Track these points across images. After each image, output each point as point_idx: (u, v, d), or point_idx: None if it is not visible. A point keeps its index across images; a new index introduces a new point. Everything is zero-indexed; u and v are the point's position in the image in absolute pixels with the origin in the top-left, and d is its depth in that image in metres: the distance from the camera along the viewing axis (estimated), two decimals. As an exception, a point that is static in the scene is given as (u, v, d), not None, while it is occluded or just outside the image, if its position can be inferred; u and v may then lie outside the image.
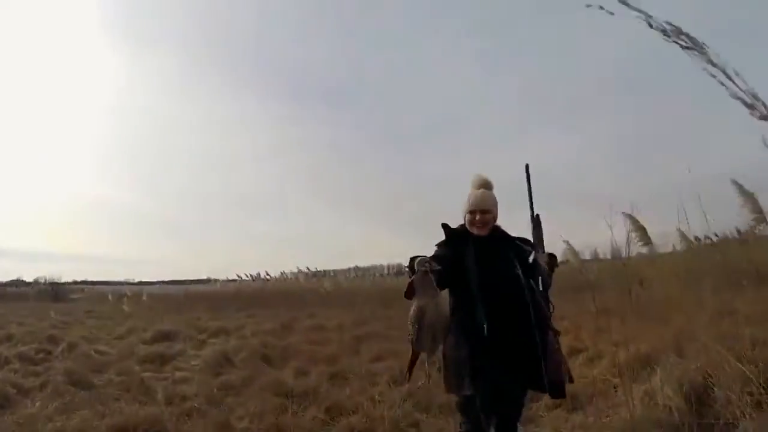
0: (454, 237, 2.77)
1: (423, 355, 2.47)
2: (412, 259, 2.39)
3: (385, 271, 29.22)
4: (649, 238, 4.10)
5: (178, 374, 6.74)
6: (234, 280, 25.86)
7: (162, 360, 7.75)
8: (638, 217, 4.44)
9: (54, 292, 31.26)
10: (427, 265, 2.31)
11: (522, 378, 2.56)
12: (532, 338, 2.51)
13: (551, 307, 2.71)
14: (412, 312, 2.30)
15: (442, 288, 2.46)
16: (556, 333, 2.67)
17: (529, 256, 2.74)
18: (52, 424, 4.27)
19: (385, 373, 5.77)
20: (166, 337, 10.30)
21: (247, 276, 24.55)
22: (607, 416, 3.73)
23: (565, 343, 6.11)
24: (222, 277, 28.21)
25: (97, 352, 8.44)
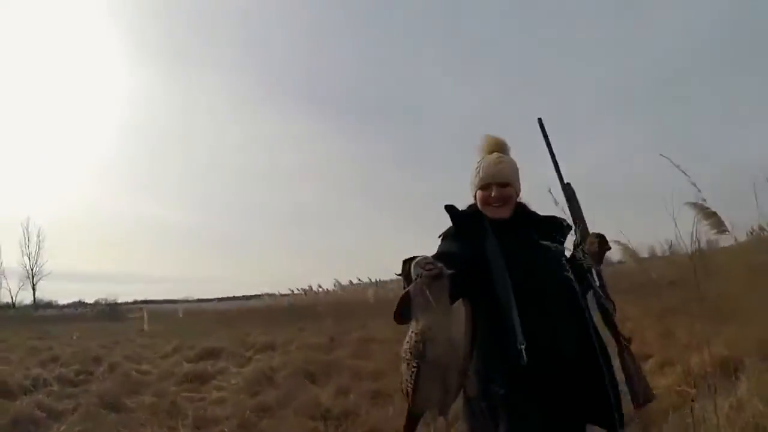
0: (464, 224, 2.00)
1: (428, 415, 1.60)
2: (407, 262, 1.55)
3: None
4: (724, 225, 3.51)
5: (216, 394, 6.51)
6: (286, 295, 26.03)
7: (202, 379, 7.56)
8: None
9: (111, 311, 32.22)
10: (431, 267, 1.44)
11: (581, 416, 1.89)
12: (593, 362, 1.86)
13: (612, 306, 2.03)
14: (407, 343, 1.43)
15: (453, 300, 1.67)
16: (627, 342, 1.99)
17: (567, 239, 2.09)
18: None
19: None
20: (211, 354, 10.21)
21: (298, 290, 24.61)
22: None
23: (631, 348, 5.60)
24: (275, 291, 28.51)
25: (138, 372, 8.36)
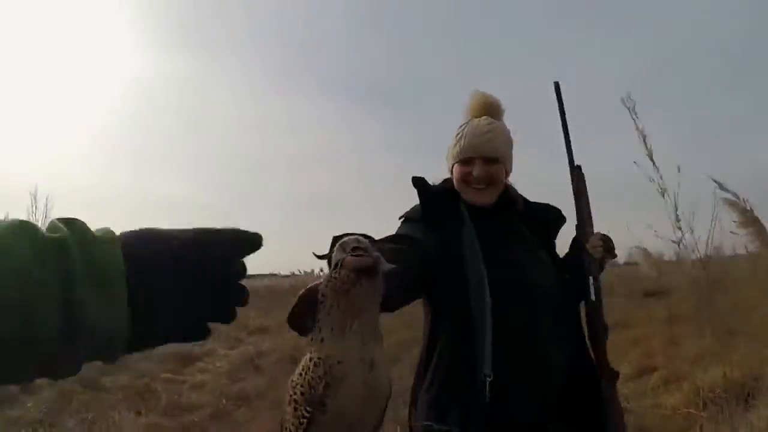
0: (435, 205, 1.52)
1: None
2: (337, 239, 0.89)
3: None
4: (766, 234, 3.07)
5: (198, 377, 6.25)
6: (288, 276, 25.70)
7: (187, 361, 7.28)
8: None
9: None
10: (361, 253, 0.83)
11: None
12: (587, 401, 1.46)
13: (605, 329, 1.55)
14: (301, 375, 0.81)
15: (401, 302, 1.26)
16: (614, 376, 1.52)
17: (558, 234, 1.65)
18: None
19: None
20: None
21: (299, 272, 24.30)
22: None
23: (633, 359, 5.28)
24: (277, 272, 28.27)
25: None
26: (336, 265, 0.85)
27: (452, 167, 1.57)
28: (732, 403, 3.27)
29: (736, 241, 6.97)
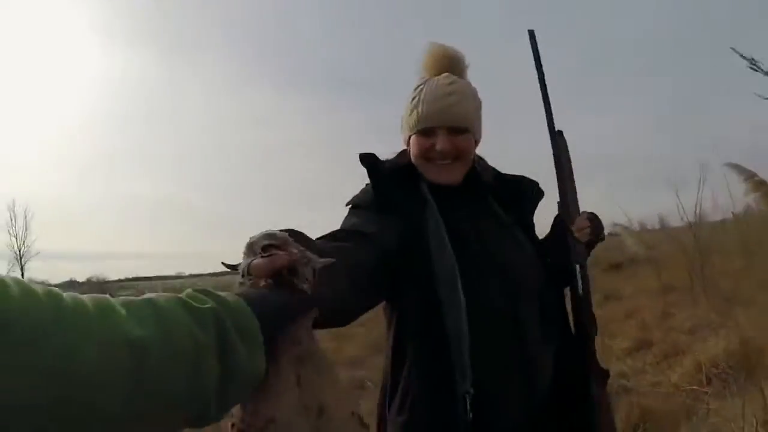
0: (389, 187, 1.21)
1: None
2: (249, 248, 0.68)
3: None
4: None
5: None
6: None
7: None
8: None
9: (100, 290, 31.86)
10: (278, 253, 0.65)
11: None
12: (579, 408, 1.24)
13: (594, 325, 1.31)
14: None
15: (351, 315, 0.98)
16: (604, 376, 1.30)
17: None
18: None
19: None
20: None
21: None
22: None
23: (629, 333, 5.10)
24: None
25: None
26: (242, 273, 0.65)
27: (409, 139, 1.26)
28: (739, 377, 3.08)
29: (721, 206, 6.99)
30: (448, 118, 1.20)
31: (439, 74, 1.25)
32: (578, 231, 1.30)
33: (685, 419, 2.88)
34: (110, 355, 0.43)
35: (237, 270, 0.67)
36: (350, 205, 1.24)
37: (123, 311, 0.47)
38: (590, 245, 1.33)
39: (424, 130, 1.21)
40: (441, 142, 1.20)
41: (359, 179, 1.26)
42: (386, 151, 1.34)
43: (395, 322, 1.20)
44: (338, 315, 0.91)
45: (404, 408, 1.14)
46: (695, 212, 6.67)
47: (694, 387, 3.19)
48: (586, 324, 1.31)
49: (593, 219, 1.32)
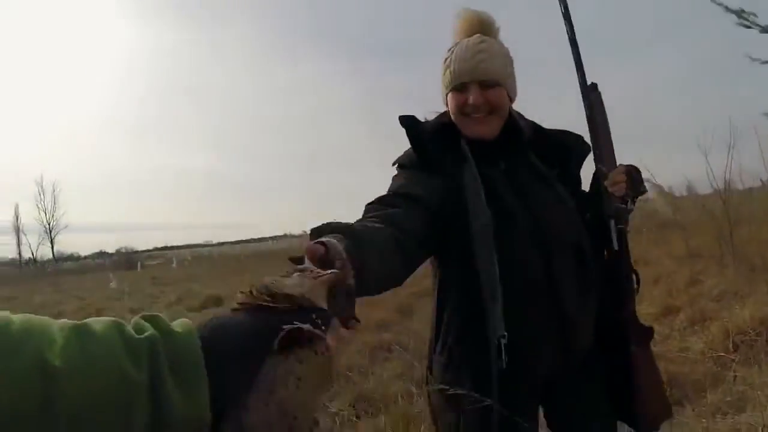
0: (429, 146, 1.31)
1: None
2: (314, 234, 0.81)
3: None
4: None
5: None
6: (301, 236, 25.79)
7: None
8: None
9: (127, 260, 32.49)
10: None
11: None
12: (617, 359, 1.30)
13: (635, 278, 1.35)
14: None
15: (404, 277, 1.10)
16: (646, 334, 1.35)
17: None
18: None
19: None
20: (216, 302, 9.83)
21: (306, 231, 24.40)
22: (724, 416, 2.59)
23: (657, 299, 5.07)
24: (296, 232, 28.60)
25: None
26: (302, 338, 0.54)
27: (446, 97, 1.34)
28: (765, 344, 3.06)
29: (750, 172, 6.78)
30: (478, 72, 1.27)
31: (471, 35, 1.32)
32: (613, 185, 1.31)
33: (711, 386, 2.88)
34: (18, 383, 0.39)
35: (299, 264, 0.68)
36: (397, 164, 1.35)
37: (55, 336, 0.43)
38: (628, 199, 1.32)
39: (458, 86, 1.29)
40: (473, 96, 1.27)
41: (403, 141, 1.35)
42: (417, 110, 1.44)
43: (439, 273, 1.31)
44: (390, 285, 1.06)
45: (444, 349, 1.27)
46: (724, 178, 6.48)
47: (721, 354, 3.18)
48: (623, 280, 1.34)
49: (630, 172, 1.32)
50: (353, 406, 3.42)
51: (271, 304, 0.55)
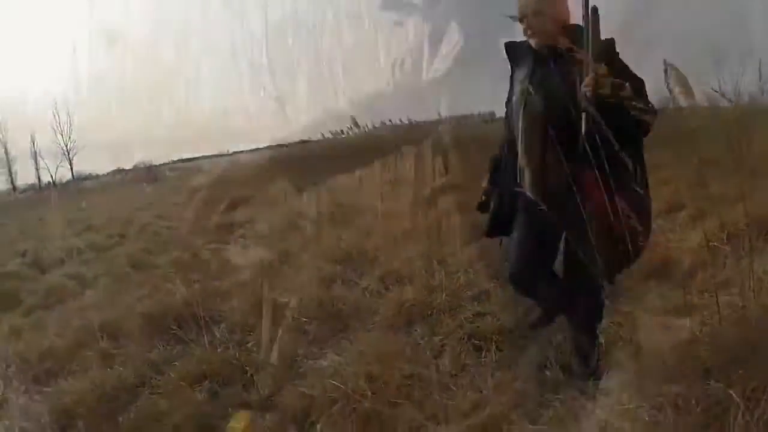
0: (514, 54, 2.23)
1: None
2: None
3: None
4: None
5: (241, 243, 6.58)
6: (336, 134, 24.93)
7: (230, 229, 7.59)
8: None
9: (148, 173, 32.42)
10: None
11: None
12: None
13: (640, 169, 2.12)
14: None
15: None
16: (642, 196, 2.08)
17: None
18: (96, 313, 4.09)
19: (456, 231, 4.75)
20: (241, 202, 9.95)
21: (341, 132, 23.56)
22: (711, 296, 2.91)
23: (663, 197, 5.27)
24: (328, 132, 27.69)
25: (168, 228, 8.60)
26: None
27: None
28: (755, 238, 3.35)
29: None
30: (525, 9, 2.06)
31: None
32: (585, 86, 1.84)
33: (702, 269, 3.24)
34: None
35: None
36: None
37: None
38: (601, 99, 1.83)
39: (521, 18, 2.08)
40: (525, 23, 2.08)
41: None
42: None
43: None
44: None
45: (498, 168, 2.38)
46: (736, 90, 6.50)
47: (715, 244, 3.47)
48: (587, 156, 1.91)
49: (598, 78, 1.81)
50: (382, 280, 3.90)
51: None
